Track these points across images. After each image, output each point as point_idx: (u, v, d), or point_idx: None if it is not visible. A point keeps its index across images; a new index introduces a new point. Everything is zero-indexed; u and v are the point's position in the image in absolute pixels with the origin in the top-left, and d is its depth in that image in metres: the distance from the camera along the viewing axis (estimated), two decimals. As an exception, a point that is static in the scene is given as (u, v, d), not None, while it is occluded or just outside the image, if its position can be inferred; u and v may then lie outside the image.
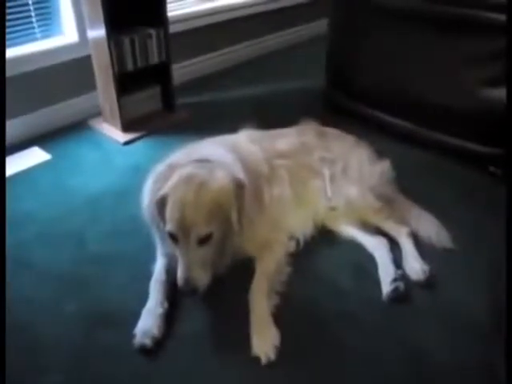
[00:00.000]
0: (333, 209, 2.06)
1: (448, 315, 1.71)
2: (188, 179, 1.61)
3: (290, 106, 3.30)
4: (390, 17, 2.66)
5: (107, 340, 1.62)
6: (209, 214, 1.56)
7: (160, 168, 1.75)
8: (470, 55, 2.40)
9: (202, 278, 1.58)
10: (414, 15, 2.54)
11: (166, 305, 1.68)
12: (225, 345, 1.61)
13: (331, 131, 2.35)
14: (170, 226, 1.58)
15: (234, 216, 1.60)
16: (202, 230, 1.56)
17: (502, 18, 2.19)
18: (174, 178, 1.62)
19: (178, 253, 1.61)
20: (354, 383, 1.49)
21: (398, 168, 2.21)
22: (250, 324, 1.62)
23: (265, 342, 1.56)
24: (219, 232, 1.61)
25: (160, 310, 1.65)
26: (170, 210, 1.58)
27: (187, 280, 1.56)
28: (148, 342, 1.55)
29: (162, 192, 1.61)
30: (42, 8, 2.89)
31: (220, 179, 1.62)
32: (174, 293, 1.74)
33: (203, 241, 1.58)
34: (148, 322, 1.61)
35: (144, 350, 1.55)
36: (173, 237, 1.60)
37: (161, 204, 1.60)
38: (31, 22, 2.87)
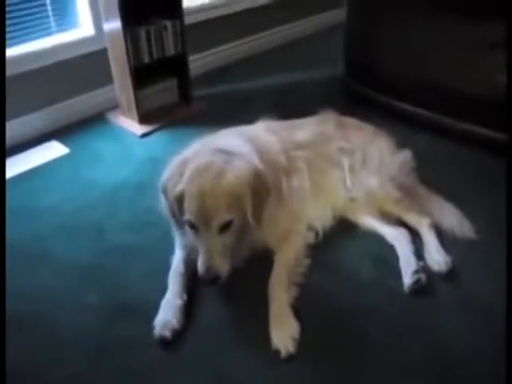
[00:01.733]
0: (352, 200, 2.03)
1: (470, 307, 1.68)
2: (205, 168, 1.60)
3: (308, 96, 3.27)
4: (410, 4, 2.62)
5: (126, 332, 1.63)
6: (227, 202, 1.55)
7: (174, 162, 1.74)
8: (491, 41, 2.34)
9: (223, 266, 1.58)
10: (436, 1, 2.49)
11: (184, 297, 1.68)
12: (244, 337, 1.61)
13: (350, 121, 2.31)
14: (189, 216, 1.57)
15: (249, 210, 1.59)
16: (223, 218, 1.56)
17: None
18: (189, 170, 1.61)
19: (198, 242, 1.60)
20: (374, 376, 1.47)
21: (418, 158, 2.17)
22: (269, 316, 1.61)
23: (284, 334, 1.54)
24: (239, 219, 1.60)
25: (179, 302, 1.65)
26: (188, 202, 1.57)
27: (208, 268, 1.55)
28: (168, 333, 1.55)
29: (178, 188, 1.60)
30: (57, 1, 2.89)
31: (237, 169, 1.61)
32: (192, 285, 1.74)
33: (224, 228, 1.57)
34: (167, 314, 1.60)
35: (164, 342, 1.55)
36: (193, 226, 1.59)
37: (179, 199, 1.60)
38: (47, 16, 2.88)
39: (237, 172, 1.60)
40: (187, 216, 1.58)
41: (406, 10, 2.65)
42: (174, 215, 1.69)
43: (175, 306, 1.63)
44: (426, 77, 2.63)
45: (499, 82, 2.31)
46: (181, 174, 1.63)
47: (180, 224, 1.70)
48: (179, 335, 1.58)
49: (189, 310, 1.67)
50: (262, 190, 1.63)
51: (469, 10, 2.36)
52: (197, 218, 1.56)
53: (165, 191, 1.69)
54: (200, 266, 1.57)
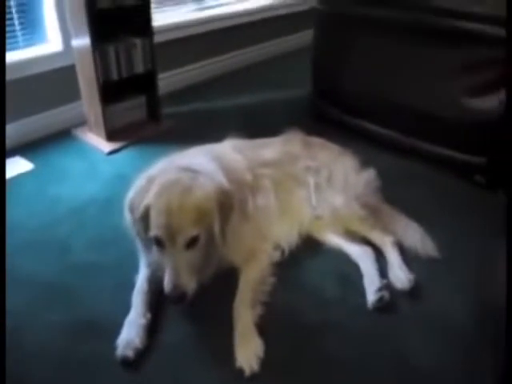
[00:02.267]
0: (318, 218, 2.05)
1: (433, 324, 1.71)
2: (171, 184, 1.61)
3: (275, 116, 3.31)
4: (375, 27, 2.69)
5: (90, 350, 1.60)
6: (194, 217, 1.55)
7: (140, 180, 1.73)
8: (454, 65, 2.42)
9: (190, 284, 1.56)
10: (399, 25, 2.57)
11: (148, 316, 1.66)
12: (208, 356, 1.59)
13: (316, 140, 2.35)
14: (156, 231, 1.56)
15: (216, 226, 1.60)
16: (189, 233, 1.55)
17: (488, 29, 2.23)
18: (156, 187, 1.61)
19: (164, 259, 1.59)
20: (339, 394, 1.48)
21: (383, 177, 2.21)
22: (233, 335, 1.60)
23: (249, 352, 1.54)
24: (205, 235, 1.60)
25: (143, 321, 1.63)
26: (155, 218, 1.56)
27: (175, 285, 1.54)
28: (130, 353, 1.53)
29: (144, 202, 1.59)
30: (25, 16, 2.87)
31: (203, 186, 1.62)
32: (157, 303, 1.72)
33: (190, 244, 1.57)
34: (130, 334, 1.58)
35: (126, 362, 1.52)
36: (159, 242, 1.58)
37: (145, 214, 1.59)
38: (14, 31, 2.85)
39: (203, 188, 1.61)
40: (153, 231, 1.57)
41: (370, 31, 2.72)
42: (139, 232, 1.68)
43: (138, 325, 1.61)
44: (392, 98, 2.70)
45: (465, 105, 2.39)
46: (147, 191, 1.63)
47: (145, 241, 1.69)
48: (142, 355, 1.56)
49: (153, 328, 1.65)
50: (227, 205, 1.64)
51: (434, 34, 2.44)
52: (163, 234, 1.55)
53: (131, 208, 1.68)
54: (166, 283, 1.55)
